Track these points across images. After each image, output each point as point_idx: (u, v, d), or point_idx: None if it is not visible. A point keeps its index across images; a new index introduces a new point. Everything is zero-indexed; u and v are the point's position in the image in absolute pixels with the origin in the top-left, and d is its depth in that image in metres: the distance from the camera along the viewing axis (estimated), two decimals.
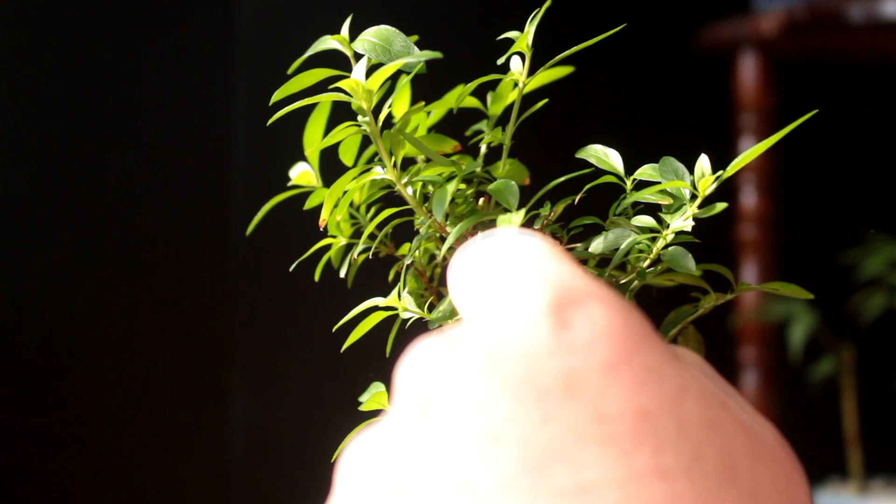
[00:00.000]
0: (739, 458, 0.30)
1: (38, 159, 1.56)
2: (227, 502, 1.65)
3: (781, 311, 1.61)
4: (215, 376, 1.64)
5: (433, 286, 0.49)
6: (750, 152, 0.44)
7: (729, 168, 0.44)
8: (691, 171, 0.45)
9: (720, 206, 0.44)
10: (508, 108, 0.48)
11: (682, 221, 0.44)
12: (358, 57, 0.45)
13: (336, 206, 0.47)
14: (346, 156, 0.48)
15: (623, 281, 0.45)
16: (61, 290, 1.57)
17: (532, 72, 0.47)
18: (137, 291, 1.60)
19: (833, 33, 1.64)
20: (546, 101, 0.48)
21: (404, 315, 0.47)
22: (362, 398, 0.46)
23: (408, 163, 0.48)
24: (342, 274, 0.50)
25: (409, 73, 0.45)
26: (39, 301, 1.56)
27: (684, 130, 1.84)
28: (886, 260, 1.59)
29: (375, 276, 0.53)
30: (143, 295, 1.60)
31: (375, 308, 0.47)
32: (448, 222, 0.46)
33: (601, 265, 0.45)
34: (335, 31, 0.46)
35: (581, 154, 0.47)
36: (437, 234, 0.46)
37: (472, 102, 0.49)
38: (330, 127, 0.48)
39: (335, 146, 0.47)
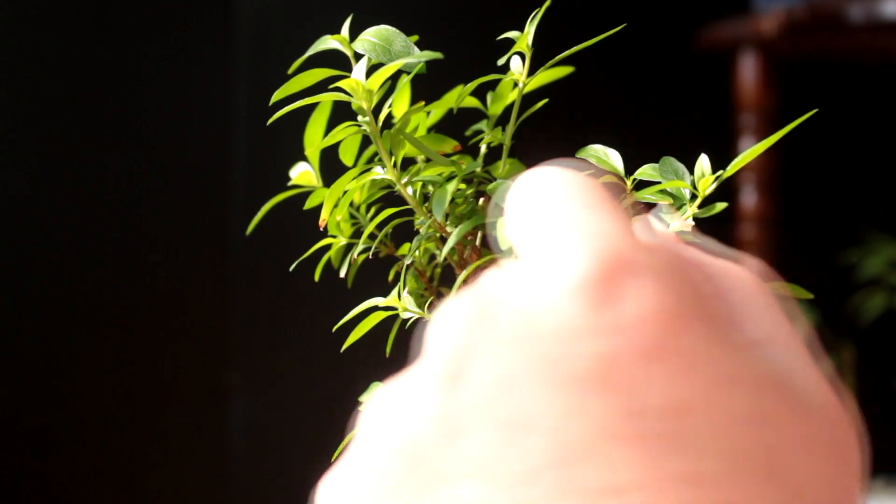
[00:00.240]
0: (787, 452, 0.28)
1: (38, 159, 1.56)
2: (227, 502, 1.65)
3: None
4: (215, 376, 1.64)
5: (433, 286, 0.49)
6: (750, 152, 0.44)
7: (729, 168, 0.44)
8: (691, 171, 0.45)
9: (720, 206, 0.44)
10: (508, 108, 0.48)
11: (683, 221, 0.44)
12: (358, 57, 0.45)
13: (336, 206, 0.47)
14: (346, 156, 0.48)
15: None
16: (61, 290, 1.57)
17: (532, 72, 0.47)
18: (137, 291, 1.60)
19: (833, 33, 1.64)
20: (546, 101, 0.48)
21: (404, 315, 0.47)
22: (362, 398, 0.46)
23: (408, 163, 0.48)
24: (342, 274, 0.50)
25: (409, 73, 0.45)
26: (39, 301, 1.56)
27: (684, 130, 1.84)
28: (886, 260, 1.59)
29: (375, 276, 0.53)
30: (143, 295, 1.60)
31: (375, 308, 0.47)
32: (448, 222, 0.46)
33: None
34: (335, 31, 0.46)
35: (581, 154, 0.47)
36: (437, 234, 0.46)
37: (472, 102, 0.49)
38: (330, 127, 0.48)
39: (335, 146, 0.47)
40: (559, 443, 0.27)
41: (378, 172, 0.46)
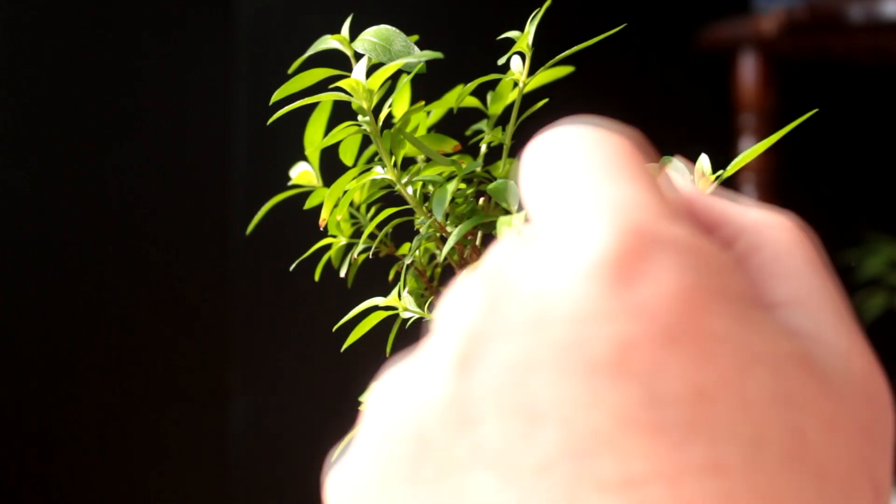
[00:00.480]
0: (811, 434, 0.26)
1: (38, 159, 1.56)
2: (227, 502, 1.65)
3: None
4: (215, 376, 1.64)
5: (433, 286, 0.49)
6: (750, 152, 0.44)
7: (729, 168, 0.44)
8: (691, 171, 0.45)
9: None
10: (508, 108, 0.48)
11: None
12: (358, 57, 0.45)
13: (336, 205, 0.47)
14: (347, 155, 0.48)
15: None
16: (61, 290, 1.57)
17: (532, 72, 0.47)
18: (137, 291, 1.60)
19: (833, 33, 1.64)
20: (546, 100, 0.48)
21: (404, 315, 0.47)
22: (362, 398, 0.46)
23: (408, 162, 0.48)
24: (342, 274, 0.50)
25: (409, 73, 0.45)
26: (39, 301, 1.56)
27: (684, 130, 1.84)
28: (886, 260, 1.59)
29: (375, 276, 0.53)
30: (143, 295, 1.60)
31: (375, 308, 0.47)
32: (448, 222, 0.46)
33: None
34: (335, 31, 0.46)
35: None
36: (438, 234, 0.46)
37: (472, 102, 0.49)
38: (330, 127, 0.48)
39: (335, 146, 0.47)
40: (574, 433, 0.26)
41: (378, 172, 0.46)
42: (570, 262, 0.27)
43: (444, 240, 0.46)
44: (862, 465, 0.27)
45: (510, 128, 0.47)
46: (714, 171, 0.44)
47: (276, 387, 1.67)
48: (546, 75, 0.49)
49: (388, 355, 0.48)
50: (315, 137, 0.50)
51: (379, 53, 0.44)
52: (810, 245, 0.31)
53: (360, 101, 0.44)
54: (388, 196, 0.49)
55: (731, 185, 1.65)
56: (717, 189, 0.44)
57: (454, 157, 0.48)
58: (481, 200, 0.47)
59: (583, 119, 0.32)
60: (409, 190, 0.47)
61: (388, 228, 0.48)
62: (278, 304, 1.65)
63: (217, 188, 1.64)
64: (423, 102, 0.47)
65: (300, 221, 0.55)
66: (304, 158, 0.51)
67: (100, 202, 1.58)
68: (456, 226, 0.45)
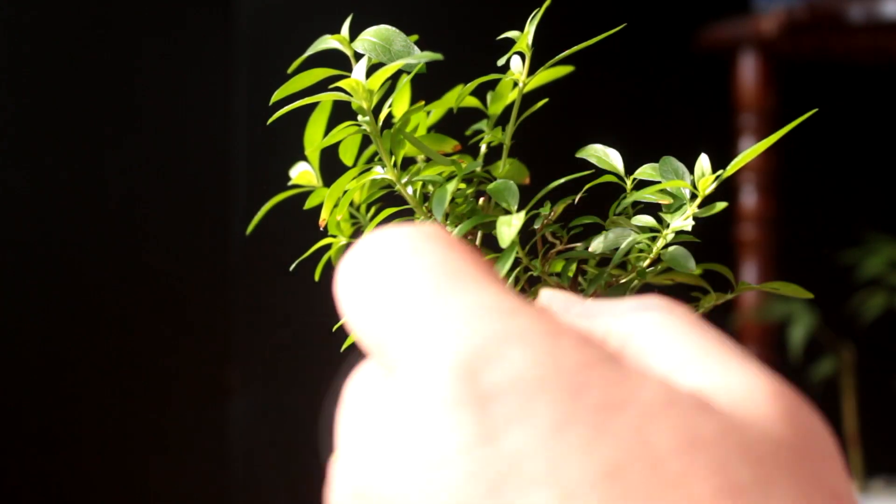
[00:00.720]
0: (732, 468, 0.26)
1: (38, 159, 1.56)
2: (227, 502, 1.65)
3: (781, 311, 1.61)
4: (215, 376, 1.64)
5: None
6: (750, 152, 0.44)
7: (729, 168, 0.44)
8: (691, 171, 0.45)
9: (720, 205, 0.44)
10: (508, 108, 0.48)
11: (682, 221, 0.44)
12: (358, 57, 0.45)
13: (336, 205, 0.47)
14: (347, 155, 0.48)
15: (623, 280, 0.45)
16: (61, 290, 1.57)
17: (532, 71, 0.47)
18: (137, 291, 1.60)
19: (833, 33, 1.64)
20: (546, 100, 0.48)
21: None
22: None
23: (408, 162, 0.48)
24: None
25: (409, 73, 0.45)
26: (39, 301, 1.56)
27: (684, 130, 1.85)
28: (886, 260, 1.59)
29: None
30: (143, 295, 1.60)
31: None
32: (448, 222, 0.46)
33: (601, 264, 0.45)
34: (335, 31, 0.46)
35: (581, 154, 0.47)
36: None
37: (472, 102, 0.49)
38: (330, 127, 0.48)
39: (335, 146, 0.47)
40: None
41: (378, 172, 0.46)
42: (422, 405, 0.27)
43: None
44: (803, 479, 0.27)
45: (510, 128, 0.47)
46: (714, 171, 0.44)
47: (276, 387, 1.67)
48: (546, 75, 0.49)
49: None
50: (315, 137, 0.50)
51: (379, 53, 0.44)
52: (679, 313, 0.31)
53: (360, 101, 0.44)
54: (388, 196, 0.49)
55: (731, 185, 1.65)
56: (715, 189, 0.44)
57: (454, 157, 0.48)
58: (481, 200, 0.47)
59: (395, 228, 0.31)
60: (409, 190, 0.47)
61: None
62: (278, 304, 1.65)
63: (217, 188, 1.64)
64: (422, 102, 0.47)
65: (300, 221, 0.55)
66: (304, 158, 0.51)
67: (100, 202, 1.58)
68: (456, 226, 0.45)
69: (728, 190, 1.62)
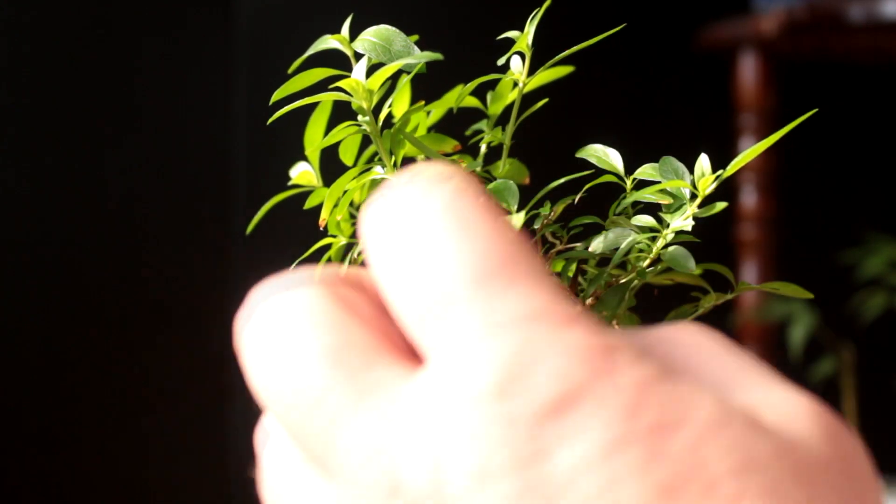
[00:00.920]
0: (783, 489, 0.26)
1: (38, 159, 1.56)
2: (227, 502, 1.65)
3: (781, 311, 1.61)
4: (215, 377, 1.64)
5: None
6: (750, 152, 0.44)
7: (729, 168, 0.44)
8: (691, 171, 0.45)
9: (720, 205, 0.44)
10: (508, 108, 0.48)
11: (682, 221, 0.44)
12: (358, 57, 0.45)
13: (336, 205, 0.47)
14: (347, 155, 0.48)
15: (623, 280, 0.45)
16: (61, 291, 1.57)
17: (532, 71, 0.47)
18: (137, 291, 1.60)
19: (833, 33, 1.64)
20: (546, 100, 0.48)
21: None
22: None
23: (408, 162, 0.48)
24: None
25: (409, 73, 0.45)
26: (39, 301, 1.56)
27: (684, 130, 1.85)
28: (886, 260, 1.59)
29: None
30: (143, 295, 1.60)
31: None
32: None
33: (601, 264, 0.45)
34: (335, 31, 0.46)
35: (581, 154, 0.47)
36: None
37: (472, 102, 0.49)
38: (330, 126, 0.48)
39: (335, 146, 0.47)
40: None
41: (378, 172, 0.46)
42: (462, 395, 0.26)
43: None
44: (849, 498, 0.27)
45: (510, 128, 0.47)
46: (714, 171, 0.44)
47: None
48: (546, 75, 0.49)
49: None
50: (315, 137, 0.50)
51: (379, 53, 0.44)
52: (714, 336, 0.31)
53: (360, 101, 0.44)
54: None
55: (731, 185, 1.65)
56: (715, 189, 0.44)
57: (454, 157, 0.48)
58: None
59: (424, 175, 0.29)
60: None
61: None
62: None
63: (217, 188, 1.64)
64: (423, 102, 0.47)
65: (300, 221, 0.55)
66: (304, 158, 0.51)
67: (99, 202, 1.58)
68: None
69: (728, 190, 1.62)
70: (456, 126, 0.51)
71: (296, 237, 0.60)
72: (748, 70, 1.68)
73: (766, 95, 1.67)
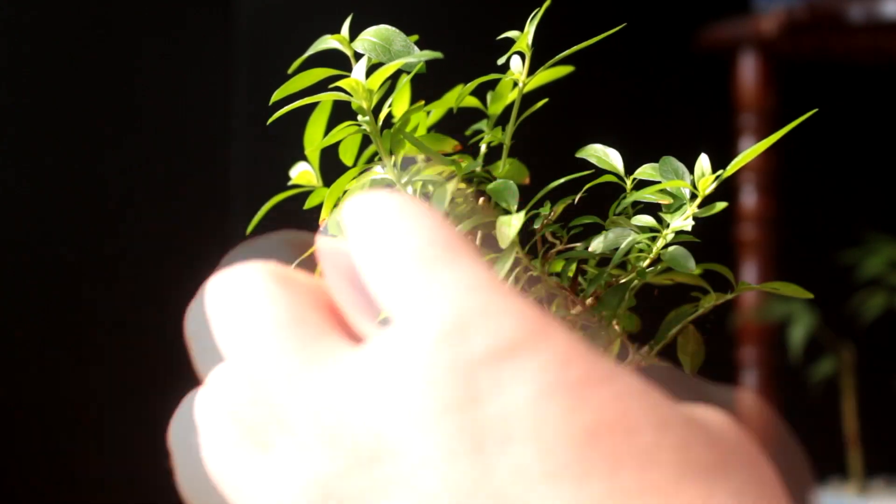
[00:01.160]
0: (700, 455, 0.29)
1: (38, 159, 1.56)
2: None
3: (781, 311, 1.61)
4: None
5: None
6: (750, 152, 0.44)
7: (729, 168, 0.44)
8: (691, 171, 0.45)
9: (720, 205, 0.44)
10: (508, 108, 0.48)
11: (682, 221, 0.44)
12: (358, 56, 0.45)
13: (336, 205, 0.47)
14: (347, 155, 0.48)
15: (623, 280, 0.45)
16: (61, 290, 1.57)
17: (532, 71, 0.47)
18: (137, 291, 1.60)
19: (833, 33, 1.64)
20: (546, 100, 0.48)
21: None
22: None
23: (408, 162, 0.48)
24: None
25: (409, 73, 0.45)
26: (39, 301, 1.56)
27: (684, 130, 1.84)
28: (886, 260, 1.59)
29: None
30: (143, 295, 1.60)
31: None
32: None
33: (601, 264, 0.45)
34: (335, 30, 0.46)
35: (581, 154, 0.47)
36: None
37: (472, 102, 0.49)
38: (330, 126, 0.48)
39: (335, 146, 0.47)
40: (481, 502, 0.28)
41: (378, 172, 0.46)
42: (412, 357, 0.29)
43: None
44: (754, 469, 0.30)
45: (510, 128, 0.47)
46: (714, 171, 0.44)
47: None
48: (546, 75, 0.49)
49: None
50: (315, 137, 0.50)
51: (379, 53, 0.44)
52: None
53: (359, 101, 0.44)
54: None
55: (731, 185, 1.65)
56: (715, 189, 0.44)
57: (454, 157, 0.48)
58: (481, 200, 0.47)
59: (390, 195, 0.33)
60: (409, 190, 0.47)
61: None
62: None
63: (217, 188, 1.64)
64: (422, 102, 0.47)
65: (300, 221, 0.55)
66: (304, 158, 0.51)
67: (99, 202, 1.58)
68: (456, 226, 0.45)
69: (728, 190, 1.62)
70: (456, 126, 0.51)
71: None
72: (748, 70, 1.68)
73: (766, 95, 1.67)
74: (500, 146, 0.48)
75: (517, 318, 0.29)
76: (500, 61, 0.47)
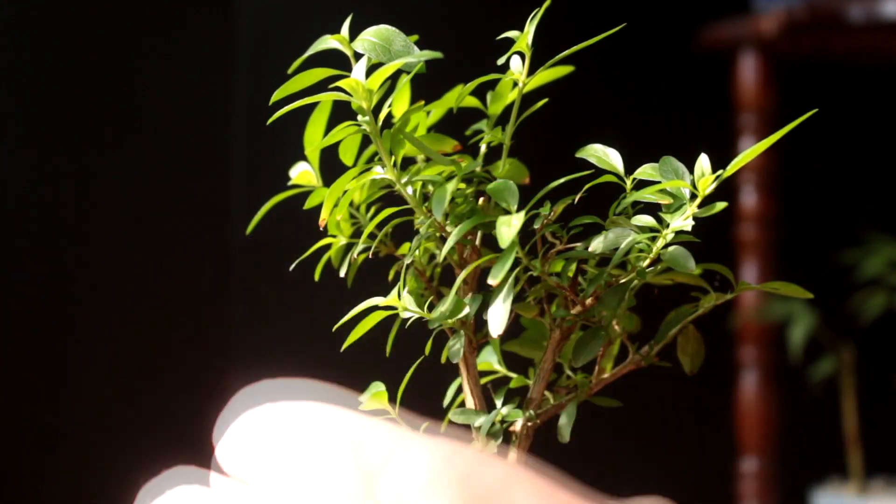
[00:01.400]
0: None
1: (38, 159, 1.56)
2: None
3: (781, 311, 1.61)
4: (215, 377, 1.64)
5: (433, 286, 0.49)
6: (750, 152, 0.44)
7: (729, 168, 0.44)
8: (691, 171, 0.45)
9: (720, 205, 0.44)
10: (508, 108, 0.48)
11: (682, 221, 0.44)
12: (358, 57, 0.45)
13: (336, 205, 0.47)
14: (346, 155, 0.48)
15: (623, 280, 0.45)
16: (61, 290, 1.57)
17: (532, 71, 0.47)
18: (137, 291, 1.60)
19: (833, 33, 1.64)
20: (546, 100, 0.48)
21: (404, 315, 0.47)
22: (362, 398, 0.46)
23: (408, 162, 0.48)
24: (342, 274, 0.50)
25: (408, 73, 0.45)
26: (39, 301, 1.56)
27: (684, 130, 1.84)
28: (886, 260, 1.59)
29: (375, 276, 0.53)
30: (143, 295, 1.60)
31: (375, 308, 0.47)
32: (448, 222, 0.46)
33: (601, 264, 0.45)
34: (335, 31, 0.46)
35: (581, 154, 0.47)
36: (437, 234, 0.46)
37: (472, 102, 0.50)
38: (330, 126, 0.48)
39: (335, 146, 0.47)
40: None
41: (378, 172, 0.46)
42: None
43: (443, 240, 0.46)
44: None
45: (510, 127, 0.47)
46: (714, 171, 0.44)
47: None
48: (546, 75, 0.49)
49: (388, 355, 0.48)
50: (315, 137, 0.50)
51: (379, 53, 0.44)
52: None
53: (359, 101, 0.44)
54: (388, 196, 0.49)
55: (731, 185, 1.65)
56: (715, 189, 0.44)
57: (454, 157, 0.48)
58: (481, 200, 0.47)
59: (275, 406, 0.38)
60: (409, 190, 0.47)
61: (388, 228, 0.48)
62: (278, 304, 1.65)
63: (217, 188, 1.64)
64: (422, 102, 0.47)
65: (300, 221, 0.55)
66: (304, 158, 0.51)
67: (99, 202, 1.58)
68: (456, 226, 0.45)
69: (728, 190, 1.62)
70: (456, 126, 0.51)
71: (296, 237, 0.60)
72: (748, 70, 1.68)
73: (766, 95, 1.67)
74: (500, 146, 0.48)
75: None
76: (500, 61, 0.47)
